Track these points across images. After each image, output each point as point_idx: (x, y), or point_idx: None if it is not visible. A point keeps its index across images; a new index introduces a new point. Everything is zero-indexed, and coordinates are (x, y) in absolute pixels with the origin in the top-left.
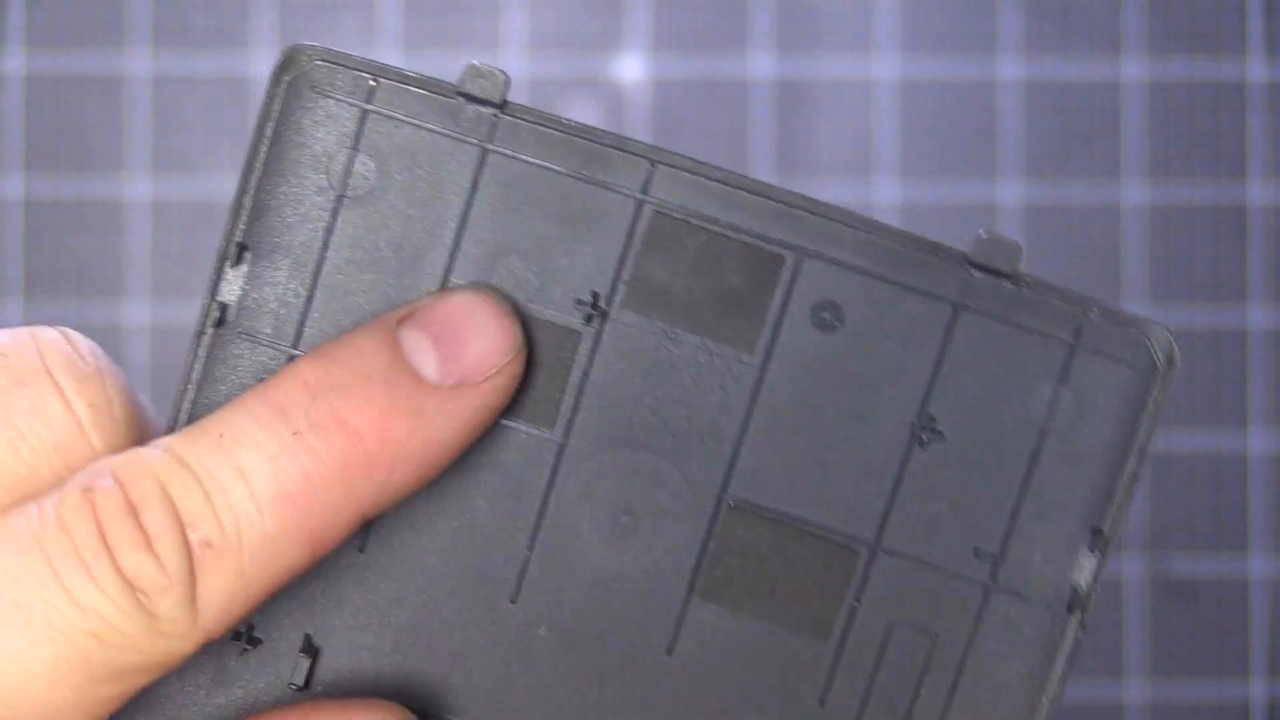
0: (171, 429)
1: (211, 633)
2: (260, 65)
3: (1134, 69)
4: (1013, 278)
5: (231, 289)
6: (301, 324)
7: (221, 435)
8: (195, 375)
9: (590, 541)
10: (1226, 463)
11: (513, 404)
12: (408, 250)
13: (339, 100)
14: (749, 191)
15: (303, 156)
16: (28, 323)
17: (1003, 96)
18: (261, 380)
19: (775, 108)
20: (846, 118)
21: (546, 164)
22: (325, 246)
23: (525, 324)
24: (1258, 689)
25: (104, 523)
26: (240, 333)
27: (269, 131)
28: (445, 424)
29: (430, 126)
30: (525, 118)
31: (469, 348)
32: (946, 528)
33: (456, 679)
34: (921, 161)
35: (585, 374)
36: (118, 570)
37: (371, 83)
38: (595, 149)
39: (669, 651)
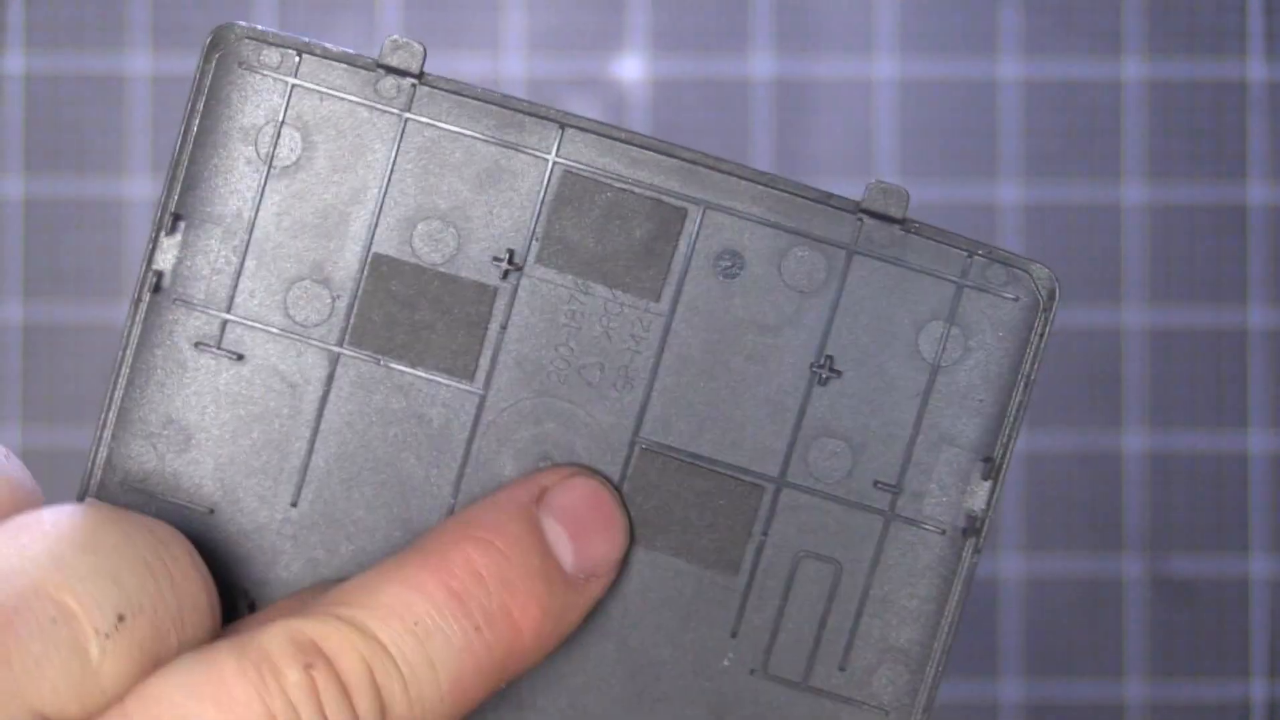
0: (111, 392)
1: None
2: None
3: (1134, 69)
4: (902, 222)
5: (166, 257)
6: (234, 290)
7: (415, 624)
8: (134, 340)
9: None
10: (1227, 463)
11: (435, 358)
12: (333, 216)
13: (265, 75)
14: (652, 150)
15: (231, 129)
16: (26, 325)
17: (1003, 96)
18: (414, 543)
19: (775, 108)
20: (846, 118)
21: (462, 130)
22: (255, 215)
23: (628, 510)
24: (1258, 689)
25: (325, 702)
26: (175, 299)
27: (199, 106)
28: (575, 615)
29: (352, 98)
30: (441, 86)
31: (596, 544)
32: (847, 462)
33: None
34: (921, 161)
35: (502, 328)
36: None
37: (296, 58)
38: (508, 114)
39: None
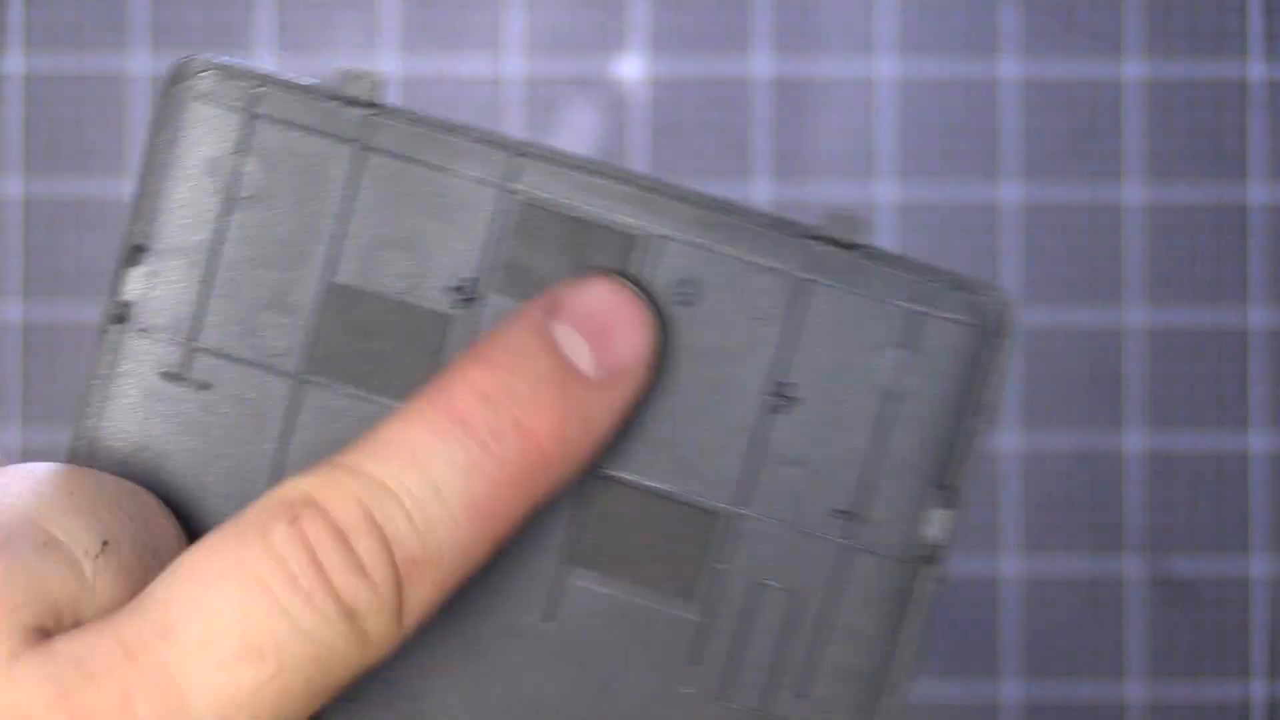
0: (81, 420)
1: (408, 637)
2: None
3: (1134, 68)
4: (857, 249)
5: (132, 289)
6: (198, 320)
7: (414, 454)
8: (102, 371)
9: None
10: (1227, 463)
11: (396, 387)
12: (295, 246)
13: (226, 108)
14: (608, 177)
15: (194, 162)
16: (26, 325)
17: (1003, 96)
18: (425, 384)
19: (775, 108)
20: (846, 118)
21: (419, 159)
22: (218, 246)
23: (656, 306)
24: (1258, 689)
25: (319, 552)
26: (140, 329)
27: (162, 139)
28: (606, 416)
29: (311, 129)
30: (397, 117)
31: (619, 340)
32: (803, 489)
33: None
34: (921, 161)
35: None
36: (337, 598)
37: (255, 90)
38: (464, 143)
39: (547, 619)
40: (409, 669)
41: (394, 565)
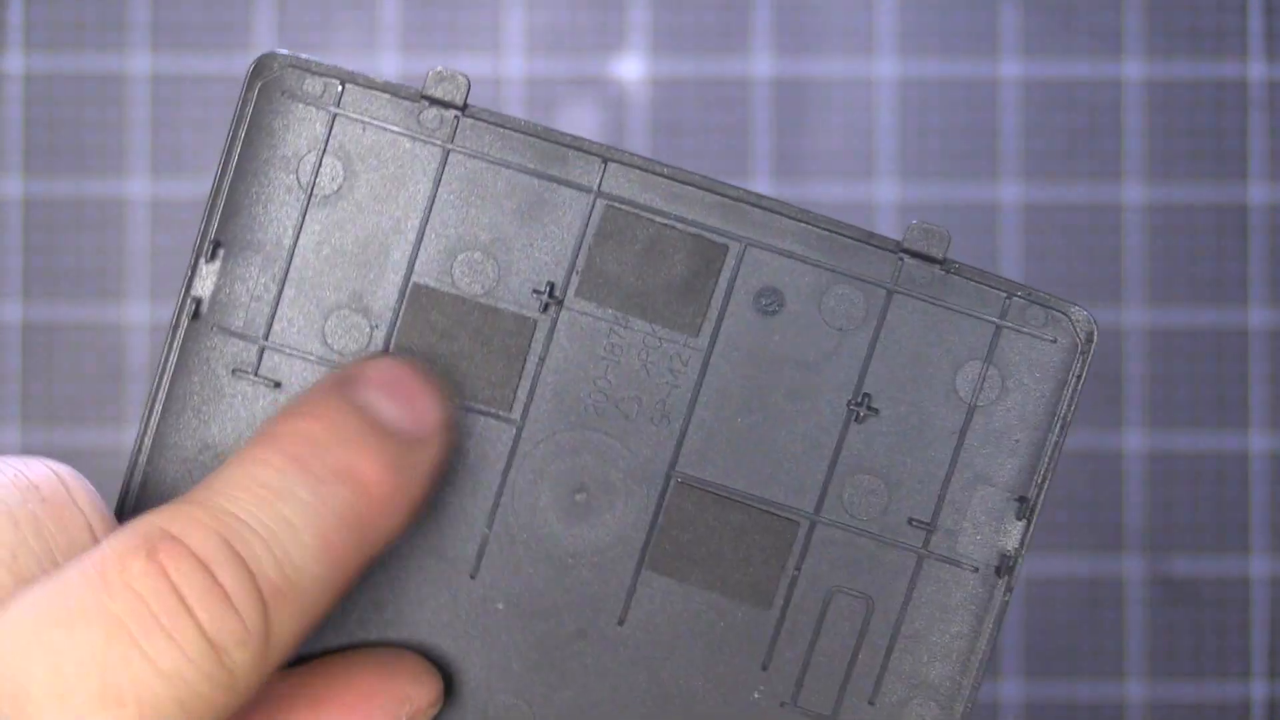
0: (147, 418)
1: (270, 674)
2: None
3: (1135, 68)
4: (942, 263)
5: (206, 284)
6: (272, 317)
7: (262, 488)
8: (171, 366)
9: (546, 519)
10: (1227, 463)
11: (472, 389)
12: (373, 247)
13: (307, 104)
14: (694, 185)
15: (273, 158)
16: (26, 324)
17: (1003, 96)
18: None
19: (775, 108)
20: (846, 118)
21: (505, 162)
22: (295, 243)
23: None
24: (1258, 689)
25: (179, 584)
26: (214, 326)
27: (241, 134)
28: (419, 473)
29: (394, 128)
30: (485, 119)
31: (419, 403)
32: (882, 499)
33: (417, 653)
34: (921, 161)
35: (541, 360)
36: (201, 632)
37: (339, 87)
38: (551, 147)
39: (620, 622)
40: (478, 669)
41: (259, 593)
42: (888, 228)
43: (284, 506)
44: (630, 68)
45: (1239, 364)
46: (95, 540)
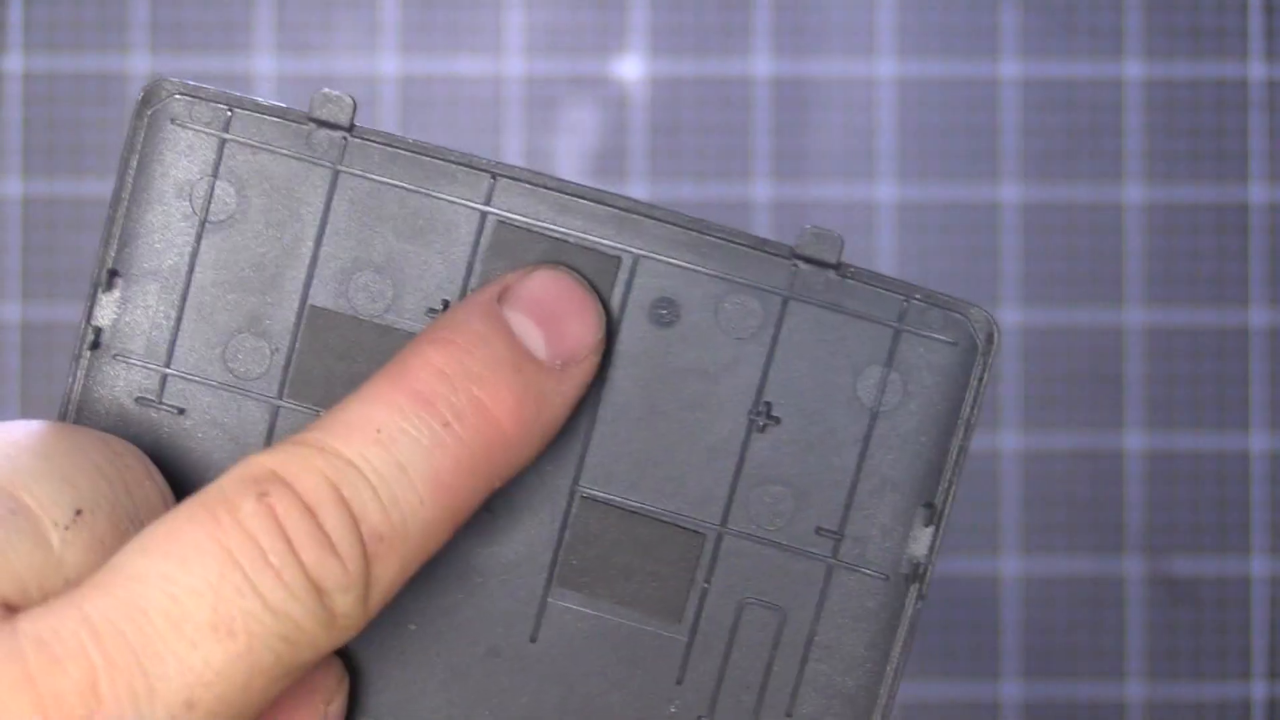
0: None
1: (372, 618)
2: (260, 65)
3: (1135, 68)
4: (837, 268)
5: (105, 313)
6: (173, 344)
7: (379, 431)
8: (76, 396)
9: (455, 538)
10: (1227, 462)
11: None
12: (269, 269)
13: (198, 131)
14: (584, 198)
15: (166, 185)
16: (25, 324)
17: (1003, 96)
18: (386, 365)
19: (775, 108)
20: (846, 118)
21: (394, 181)
22: (191, 270)
23: (603, 299)
24: (1258, 689)
25: (287, 526)
26: (114, 354)
27: (134, 163)
28: (560, 402)
29: (284, 151)
30: (372, 139)
31: (569, 329)
32: (789, 508)
33: None
34: (921, 161)
35: None
36: (305, 575)
37: (228, 113)
38: (440, 164)
39: (533, 639)
40: (394, 690)
41: (362, 541)
42: (888, 227)
43: (399, 450)
44: (630, 68)
45: (1239, 364)
46: (167, 507)
